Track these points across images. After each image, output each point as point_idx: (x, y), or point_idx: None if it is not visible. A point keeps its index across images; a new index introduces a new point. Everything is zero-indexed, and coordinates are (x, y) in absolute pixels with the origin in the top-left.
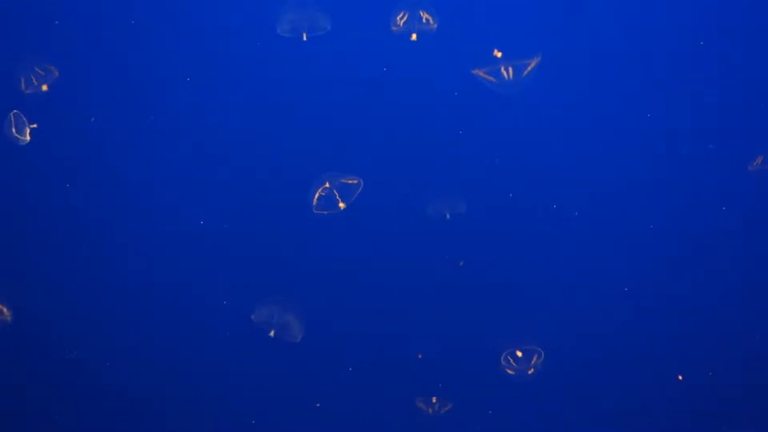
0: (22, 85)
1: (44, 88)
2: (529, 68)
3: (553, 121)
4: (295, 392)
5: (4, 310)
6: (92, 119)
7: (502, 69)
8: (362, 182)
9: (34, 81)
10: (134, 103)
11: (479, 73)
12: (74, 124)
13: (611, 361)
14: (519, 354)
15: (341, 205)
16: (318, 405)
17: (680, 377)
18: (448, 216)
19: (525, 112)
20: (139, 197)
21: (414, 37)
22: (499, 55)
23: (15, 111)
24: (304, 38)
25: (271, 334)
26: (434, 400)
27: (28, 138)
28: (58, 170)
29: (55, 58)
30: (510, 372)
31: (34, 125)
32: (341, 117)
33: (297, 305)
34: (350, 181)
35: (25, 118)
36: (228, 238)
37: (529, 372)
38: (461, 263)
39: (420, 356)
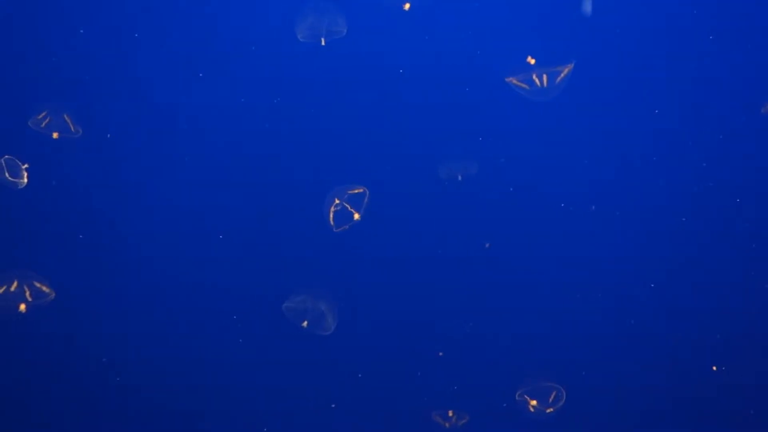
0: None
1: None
2: (562, 75)
3: (577, 126)
4: (307, 402)
5: (45, 288)
6: (108, 135)
7: (534, 77)
8: (367, 190)
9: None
10: (150, 108)
11: (512, 81)
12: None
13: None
14: (533, 403)
15: (356, 216)
16: (333, 406)
17: (714, 367)
18: (460, 178)
19: (555, 118)
20: (158, 199)
21: (407, 6)
22: (533, 62)
23: (7, 156)
24: (323, 43)
25: (304, 324)
26: (451, 413)
27: (25, 180)
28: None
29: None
30: (530, 409)
31: (27, 165)
32: (366, 120)
33: (330, 296)
34: (357, 191)
35: (18, 161)
36: (242, 239)
37: (548, 411)
38: (488, 245)
39: (441, 354)
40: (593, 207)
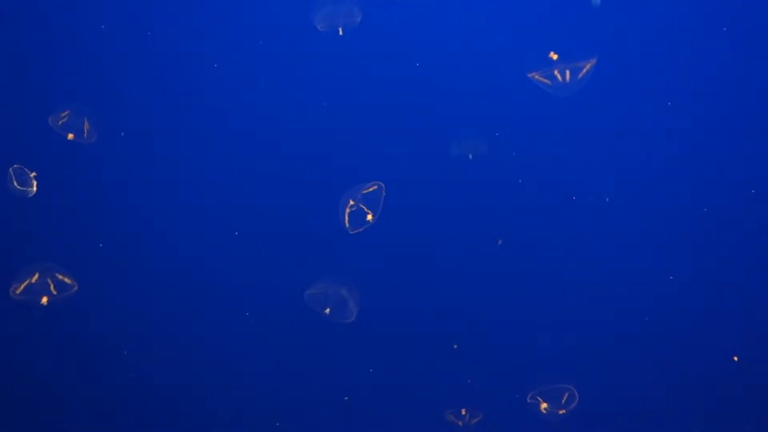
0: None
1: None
2: (584, 71)
3: (594, 119)
4: (319, 396)
5: (67, 279)
6: (122, 134)
7: (557, 72)
8: (383, 186)
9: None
10: (169, 103)
11: (535, 76)
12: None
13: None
14: (544, 405)
15: (369, 217)
16: (346, 398)
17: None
18: (470, 156)
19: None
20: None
21: None
22: (555, 57)
23: (15, 165)
24: (340, 32)
25: (326, 311)
26: (464, 411)
27: (34, 189)
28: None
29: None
30: (542, 411)
31: (35, 174)
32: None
33: (352, 284)
34: (371, 189)
35: (26, 170)
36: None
37: (561, 412)
38: (499, 242)
39: (456, 347)
40: (607, 199)
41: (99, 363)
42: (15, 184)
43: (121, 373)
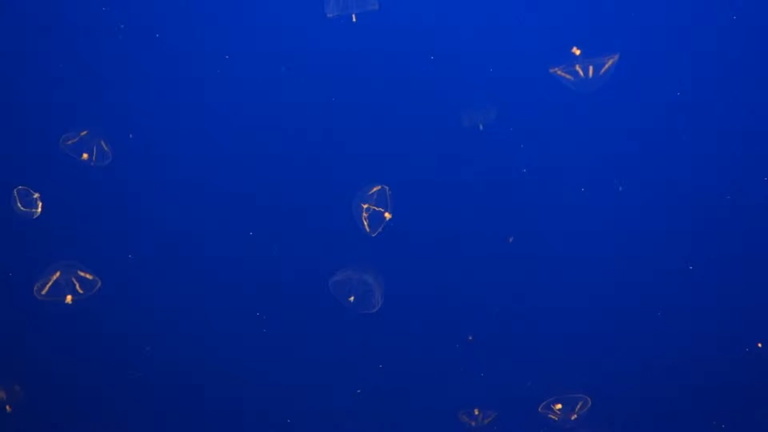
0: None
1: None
2: (606, 67)
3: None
4: (331, 392)
5: (89, 276)
6: (130, 136)
7: (578, 67)
8: (387, 187)
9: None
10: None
11: (557, 71)
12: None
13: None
14: (558, 407)
15: (387, 215)
16: (359, 391)
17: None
18: (481, 126)
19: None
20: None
21: None
22: (578, 52)
23: (19, 187)
24: (354, 19)
25: (351, 299)
26: (477, 411)
27: (39, 210)
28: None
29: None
30: (553, 418)
31: (38, 194)
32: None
33: (378, 273)
34: (376, 189)
35: (30, 191)
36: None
37: (573, 418)
38: (510, 239)
39: (470, 338)
40: (620, 188)
41: (120, 360)
42: (19, 205)
43: (143, 370)
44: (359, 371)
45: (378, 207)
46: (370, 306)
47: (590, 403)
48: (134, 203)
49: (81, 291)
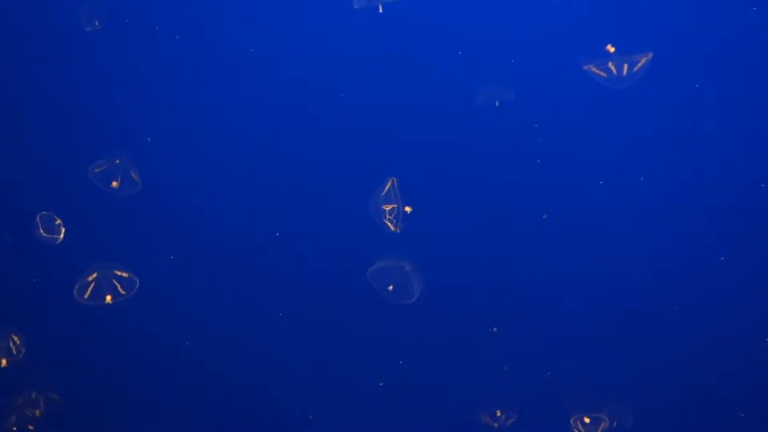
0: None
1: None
2: (640, 65)
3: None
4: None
5: (126, 275)
6: (149, 139)
7: (611, 65)
8: (395, 179)
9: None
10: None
11: (590, 68)
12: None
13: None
14: (587, 420)
15: (407, 209)
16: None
17: None
18: (497, 104)
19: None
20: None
21: None
22: (613, 50)
23: (43, 213)
24: (380, 10)
25: (390, 288)
26: (499, 413)
27: (61, 237)
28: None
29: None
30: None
31: (60, 221)
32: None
33: (416, 264)
34: (388, 186)
35: (54, 215)
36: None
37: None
38: (545, 217)
39: (494, 330)
40: (642, 178)
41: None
42: (41, 231)
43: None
44: (378, 369)
45: (395, 205)
46: (409, 296)
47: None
48: (160, 207)
49: (123, 292)
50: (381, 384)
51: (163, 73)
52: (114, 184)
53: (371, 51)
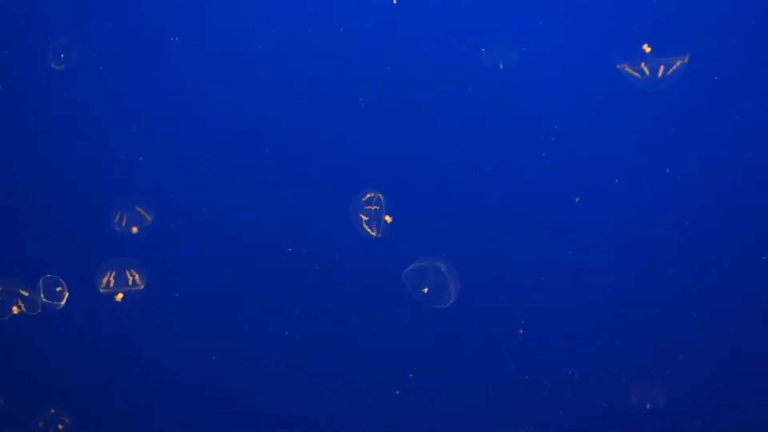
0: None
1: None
2: (675, 66)
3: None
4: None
5: (137, 277)
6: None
7: (644, 65)
8: (381, 195)
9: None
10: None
11: (624, 68)
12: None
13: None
14: None
15: (387, 219)
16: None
17: None
18: (501, 66)
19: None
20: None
21: None
22: (648, 50)
23: (46, 276)
24: (394, 1)
25: (425, 290)
26: None
27: (63, 303)
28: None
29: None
30: None
31: (61, 287)
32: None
33: (453, 266)
34: (369, 196)
35: (59, 279)
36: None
37: None
38: (577, 199)
39: (521, 331)
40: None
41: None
42: (42, 297)
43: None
44: (392, 378)
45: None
46: (443, 300)
47: None
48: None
49: (141, 285)
50: (398, 393)
51: (157, 77)
52: (134, 229)
53: (371, 51)
